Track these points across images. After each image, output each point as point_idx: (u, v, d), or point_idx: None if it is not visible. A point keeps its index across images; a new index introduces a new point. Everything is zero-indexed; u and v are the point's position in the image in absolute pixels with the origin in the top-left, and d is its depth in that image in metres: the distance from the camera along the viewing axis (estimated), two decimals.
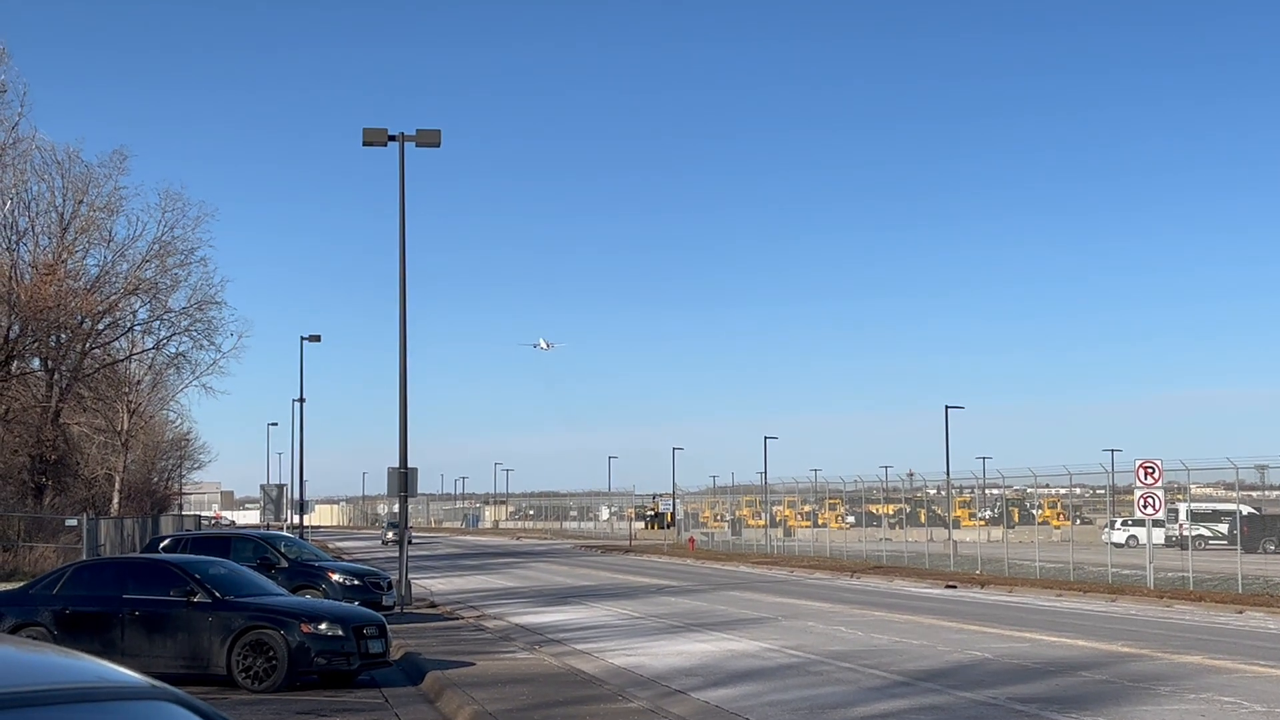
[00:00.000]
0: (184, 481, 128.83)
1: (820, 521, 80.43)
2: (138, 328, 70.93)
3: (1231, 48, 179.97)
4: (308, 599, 25.31)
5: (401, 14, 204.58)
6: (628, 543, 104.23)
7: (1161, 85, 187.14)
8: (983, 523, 73.73)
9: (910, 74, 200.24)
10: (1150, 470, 45.32)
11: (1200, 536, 67.24)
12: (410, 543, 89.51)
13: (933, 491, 78.96)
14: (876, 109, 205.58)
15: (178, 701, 4.29)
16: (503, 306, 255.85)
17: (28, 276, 58.49)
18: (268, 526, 72.54)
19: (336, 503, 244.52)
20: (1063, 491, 66.16)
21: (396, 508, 40.59)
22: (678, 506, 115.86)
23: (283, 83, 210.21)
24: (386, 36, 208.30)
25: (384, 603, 32.55)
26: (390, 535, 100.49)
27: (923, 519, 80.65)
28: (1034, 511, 72.06)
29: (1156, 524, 50.81)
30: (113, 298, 65.47)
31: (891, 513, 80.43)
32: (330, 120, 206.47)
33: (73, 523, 53.75)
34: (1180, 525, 64.43)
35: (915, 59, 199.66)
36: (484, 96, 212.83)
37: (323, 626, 19.53)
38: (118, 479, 74.64)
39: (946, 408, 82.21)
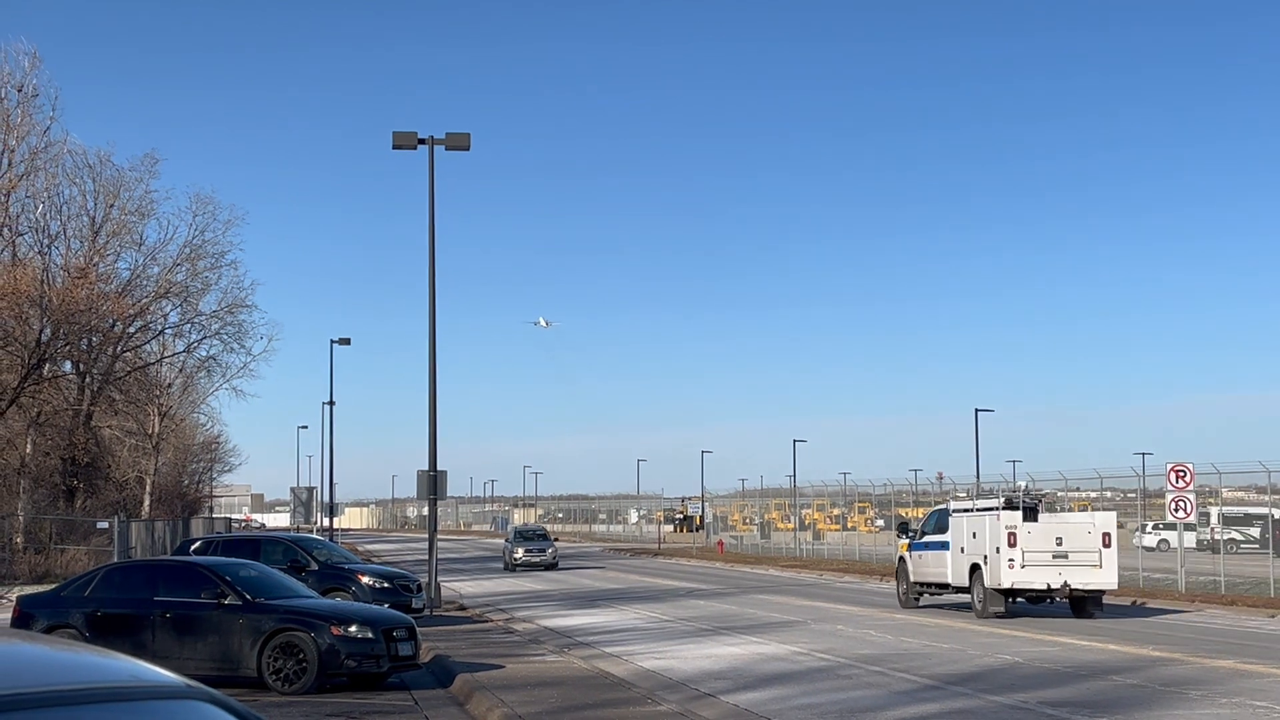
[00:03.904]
0: (214, 484, 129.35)
1: (849, 525, 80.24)
2: (169, 331, 71.47)
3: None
4: (337, 601, 25.37)
5: (423, 15, 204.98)
6: (656, 546, 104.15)
7: (1189, 85, 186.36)
8: None
9: (944, 76, 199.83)
10: (1181, 473, 45.14)
11: (1232, 540, 66.85)
12: (554, 565, 65.84)
13: (963, 495, 78.68)
14: (906, 112, 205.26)
15: (213, 701, 4.31)
16: (528, 307, 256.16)
17: (59, 280, 58.84)
18: (297, 529, 72.73)
19: (366, 505, 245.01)
20: (1093, 495, 65.86)
21: (426, 511, 40.67)
22: (706, 509, 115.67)
23: (303, 85, 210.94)
24: (409, 38, 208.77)
25: (413, 605, 32.56)
26: (522, 554, 66.56)
27: None
28: None
29: (1188, 527, 50.59)
30: (144, 301, 65.85)
31: (921, 516, 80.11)
32: (351, 122, 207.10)
33: (104, 525, 54.04)
34: (1211, 529, 64.11)
35: (947, 61, 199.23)
36: (513, 95, 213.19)
37: (353, 629, 19.58)
38: (148, 482, 75.00)
39: (976, 411, 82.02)
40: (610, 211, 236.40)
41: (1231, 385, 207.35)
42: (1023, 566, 34.58)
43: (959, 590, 37.47)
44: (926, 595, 39.63)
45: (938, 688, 20.54)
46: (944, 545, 38.07)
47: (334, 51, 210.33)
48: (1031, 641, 28.10)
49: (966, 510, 38.43)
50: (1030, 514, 35.76)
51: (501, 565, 67.91)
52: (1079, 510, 73.43)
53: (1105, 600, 35.99)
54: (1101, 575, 34.96)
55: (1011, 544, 34.64)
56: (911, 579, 39.78)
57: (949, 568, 37.62)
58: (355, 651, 19.44)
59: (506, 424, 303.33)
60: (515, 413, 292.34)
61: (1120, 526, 72.67)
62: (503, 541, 76.28)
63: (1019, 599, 35.47)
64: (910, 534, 41.38)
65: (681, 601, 42.15)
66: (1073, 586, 34.76)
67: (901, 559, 41.03)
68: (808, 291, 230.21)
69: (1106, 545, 35.15)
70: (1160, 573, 49.61)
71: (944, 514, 39.57)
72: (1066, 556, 34.83)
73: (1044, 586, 34.71)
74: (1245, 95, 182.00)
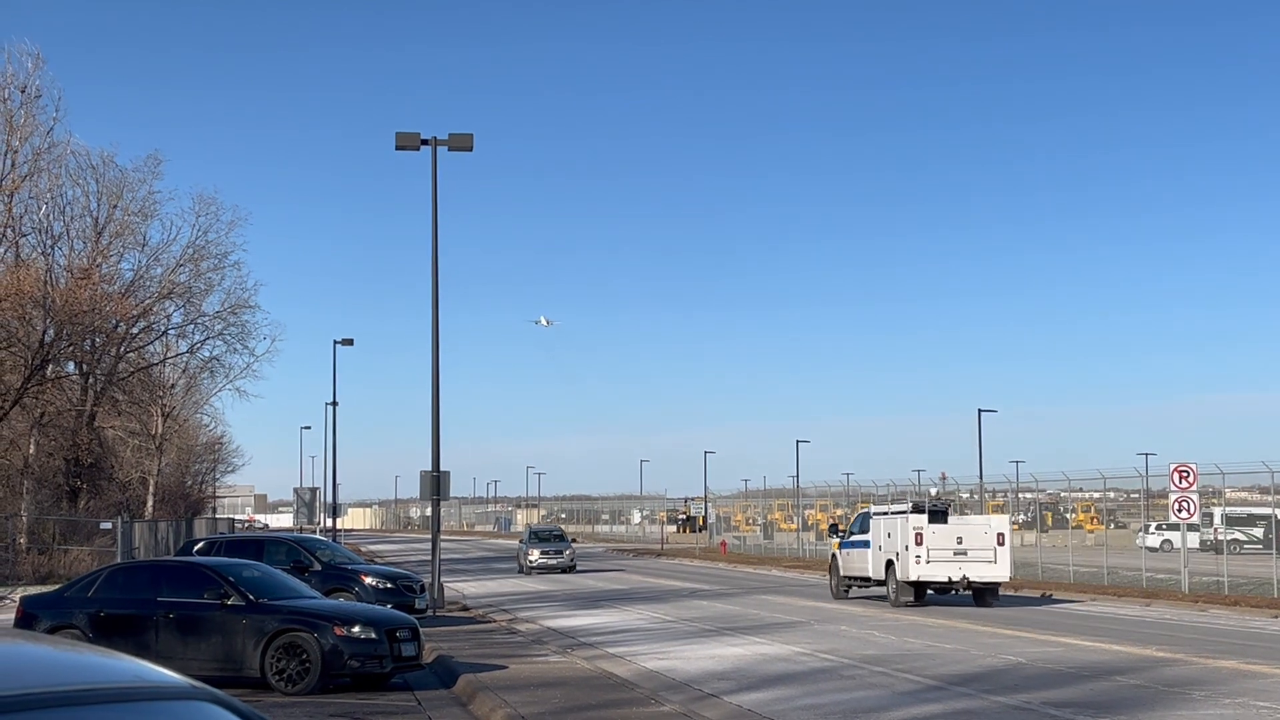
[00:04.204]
0: (217, 485, 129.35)
1: None
2: (172, 332, 71.47)
3: None
4: (341, 602, 25.38)
5: (425, 15, 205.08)
6: (659, 546, 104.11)
7: (1190, 86, 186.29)
8: (1016, 527, 73.30)
9: (944, 76, 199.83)
10: (1185, 474, 45.11)
11: (1235, 541, 66.93)
12: (572, 568, 60.87)
13: (965, 495, 78.58)
14: (907, 112, 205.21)
15: (217, 702, 4.30)
16: (531, 307, 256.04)
17: (63, 280, 58.86)
18: (301, 530, 72.78)
19: (369, 506, 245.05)
20: (1096, 495, 65.96)
21: (429, 511, 40.73)
22: (709, 510, 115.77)
23: (306, 85, 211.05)
24: (411, 38, 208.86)
25: (416, 606, 32.57)
26: (537, 557, 62.08)
27: None
28: (1067, 515, 71.76)
29: (1191, 528, 50.60)
30: (147, 302, 65.86)
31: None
32: (354, 122, 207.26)
33: (107, 526, 54.09)
34: (1215, 529, 64.22)
35: (949, 61, 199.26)
36: (514, 95, 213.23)
37: (356, 629, 19.59)
38: (152, 482, 75.04)
39: (979, 411, 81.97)
40: (613, 211, 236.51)
41: (1236, 385, 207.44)
42: (928, 562, 39.07)
43: (878, 584, 41.67)
44: (855, 588, 44.03)
45: (941, 688, 20.53)
46: (866, 544, 42.35)
47: (336, 52, 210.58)
48: (1035, 642, 28.09)
49: (884, 513, 42.66)
50: (939, 517, 40.20)
51: (516, 568, 64.46)
52: (1083, 511, 74.02)
53: (1107, 599, 36.65)
54: (996, 570, 39.60)
55: (918, 543, 39.10)
56: (841, 573, 44.19)
57: (870, 563, 41.87)
58: (358, 652, 19.45)
59: (509, 424, 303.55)
60: (518, 413, 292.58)
61: (1123, 527, 73.17)
62: (515, 543, 72.08)
63: (930, 590, 39.85)
64: (840, 534, 45.86)
65: (684, 602, 42.14)
66: (970, 579, 39.29)
67: (834, 555, 45.39)
68: (810, 292, 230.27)
69: (1000, 544, 39.65)
70: (1163, 573, 49.58)
71: (866, 517, 43.93)
72: (966, 554, 39.32)
73: (946, 579, 39.19)
74: (1249, 95, 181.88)
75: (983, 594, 39.74)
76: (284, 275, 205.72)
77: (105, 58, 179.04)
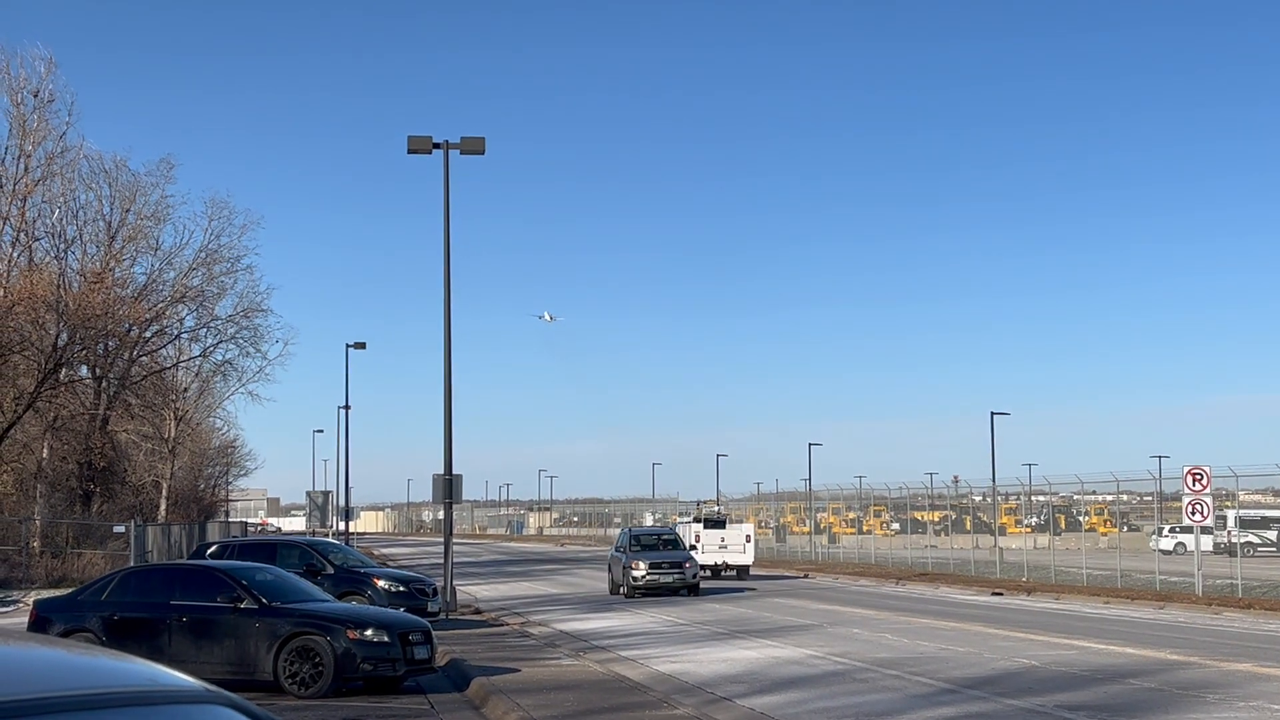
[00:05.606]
0: (230, 488, 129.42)
1: (865, 528, 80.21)
2: (185, 335, 71.53)
3: None
4: (353, 605, 25.37)
5: (434, 19, 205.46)
6: None
7: (1204, 86, 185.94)
8: (1029, 529, 73.37)
9: (945, 77, 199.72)
10: (1198, 477, 44.97)
11: (1249, 543, 66.72)
12: (696, 588, 48.62)
13: (978, 498, 78.55)
14: (914, 112, 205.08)
15: (232, 705, 4.30)
16: (542, 309, 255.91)
17: (76, 285, 58.98)
18: (313, 533, 72.77)
19: (382, 509, 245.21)
20: (1109, 498, 65.88)
21: (442, 514, 40.69)
22: (721, 513, 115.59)
23: (318, 89, 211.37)
24: (420, 43, 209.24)
25: (429, 609, 32.60)
26: (645, 572, 45.91)
27: (968, 526, 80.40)
28: (1080, 518, 71.79)
29: (1205, 531, 50.43)
30: (160, 306, 65.96)
31: (937, 519, 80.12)
32: (366, 126, 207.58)
33: (120, 529, 54.14)
34: (1229, 532, 64.02)
35: (951, 62, 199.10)
36: (524, 98, 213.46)
37: (369, 632, 19.60)
38: (165, 486, 75.10)
39: (992, 414, 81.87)
40: (623, 213, 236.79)
41: (1249, 387, 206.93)
42: (703, 553, 56.73)
43: None
44: None
45: (954, 691, 20.50)
46: None
47: (347, 56, 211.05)
48: (1048, 645, 28.04)
49: (684, 522, 62.67)
50: (711, 524, 60.13)
51: (607, 586, 49.67)
52: (1096, 514, 74.30)
53: (1121, 602, 36.73)
54: (745, 558, 59.17)
55: (697, 540, 57.54)
56: None
57: None
58: (371, 655, 19.46)
59: (521, 427, 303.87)
60: (530, 416, 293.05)
61: (1136, 530, 73.07)
62: (610, 550, 54.41)
63: (723, 574, 58.44)
64: None
65: (697, 605, 42.13)
66: (729, 564, 58.74)
67: None
68: (822, 293, 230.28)
69: (748, 541, 59.77)
70: (1177, 576, 49.47)
71: (679, 525, 63.75)
72: (726, 547, 58.85)
73: (714, 564, 57.86)
74: (1254, 95, 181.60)
75: (739, 572, 58.38)
76: (296, 278, 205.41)
77: (117, 61, 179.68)
